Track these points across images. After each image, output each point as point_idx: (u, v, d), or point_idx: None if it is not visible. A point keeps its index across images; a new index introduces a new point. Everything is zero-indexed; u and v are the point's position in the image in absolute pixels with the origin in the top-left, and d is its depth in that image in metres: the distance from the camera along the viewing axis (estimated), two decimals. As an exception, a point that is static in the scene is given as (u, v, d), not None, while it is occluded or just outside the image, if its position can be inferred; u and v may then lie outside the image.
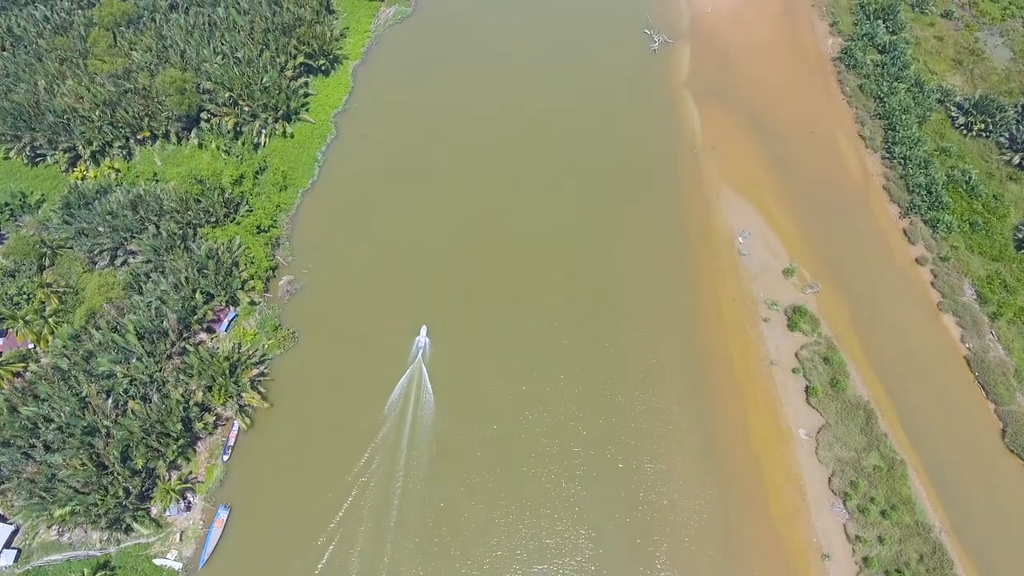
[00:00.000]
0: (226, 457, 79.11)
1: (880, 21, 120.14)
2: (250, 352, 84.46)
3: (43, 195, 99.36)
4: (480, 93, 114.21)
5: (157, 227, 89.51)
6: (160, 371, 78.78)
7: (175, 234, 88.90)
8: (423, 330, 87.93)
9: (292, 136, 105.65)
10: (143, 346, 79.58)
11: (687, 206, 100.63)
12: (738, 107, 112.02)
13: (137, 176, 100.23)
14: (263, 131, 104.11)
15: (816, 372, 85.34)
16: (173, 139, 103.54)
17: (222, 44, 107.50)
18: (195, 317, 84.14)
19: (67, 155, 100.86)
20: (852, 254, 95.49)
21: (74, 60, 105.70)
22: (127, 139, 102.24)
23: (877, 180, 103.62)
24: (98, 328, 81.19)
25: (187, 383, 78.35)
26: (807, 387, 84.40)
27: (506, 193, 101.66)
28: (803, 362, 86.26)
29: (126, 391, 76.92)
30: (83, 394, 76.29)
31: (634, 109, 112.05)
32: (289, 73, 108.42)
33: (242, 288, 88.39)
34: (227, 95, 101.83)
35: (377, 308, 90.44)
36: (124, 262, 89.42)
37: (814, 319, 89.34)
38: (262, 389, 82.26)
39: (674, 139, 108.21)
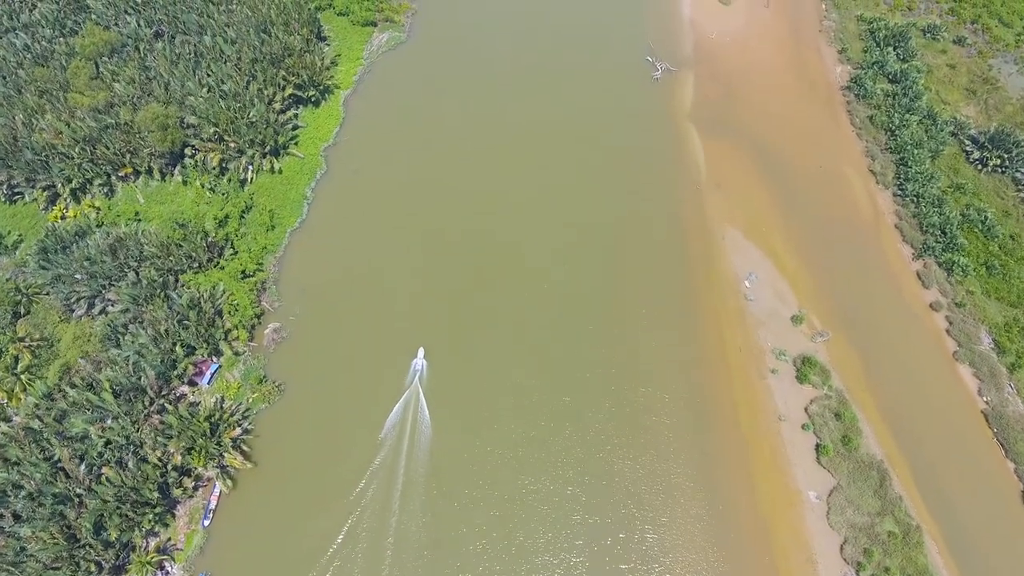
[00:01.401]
0: (207, 522, 75.11)
1: (891, 48, 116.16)
2: (233, 408, 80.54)
3: (21, 235, 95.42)
4: (476, 123, 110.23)
5: (137, 274, 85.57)
6: (137, 432, 74.83)
7: (155, 281, 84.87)
8: (420, 352, 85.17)
9: (280, 172, 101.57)
10: (119, 405, 75.64)
11: (691, 247, 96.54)
12: (743, 140, 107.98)
13: (118, 216, 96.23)
14: (250, 167, 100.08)
15: (827, 429, 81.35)
16: (157, 175, 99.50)
17: (208, 76, 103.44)
18: (175, 372, 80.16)
19: (46, 193, 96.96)
20: (863, 299, 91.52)
21: (54, 93, 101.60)
22: (108, 176, 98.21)
23: (889, 218, 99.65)
24: (73, 386, 77.24)
25: (165, 445, 74.39)
26: (817, 445, 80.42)
27: (502, 228, 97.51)
28: (813, 418, 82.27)
29: (101, 455, 72.99)
30: (55, 458, 72.41)
31: (636, 142, 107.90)
32: (277, 106, 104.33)
33: (225, 339, 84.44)
34: (212, 130, 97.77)
35: (368, 353, 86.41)
36: (102, 311, 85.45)
37: (824, 370, 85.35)
38: (246, 448, 78.29)
39: (677, 174, 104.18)
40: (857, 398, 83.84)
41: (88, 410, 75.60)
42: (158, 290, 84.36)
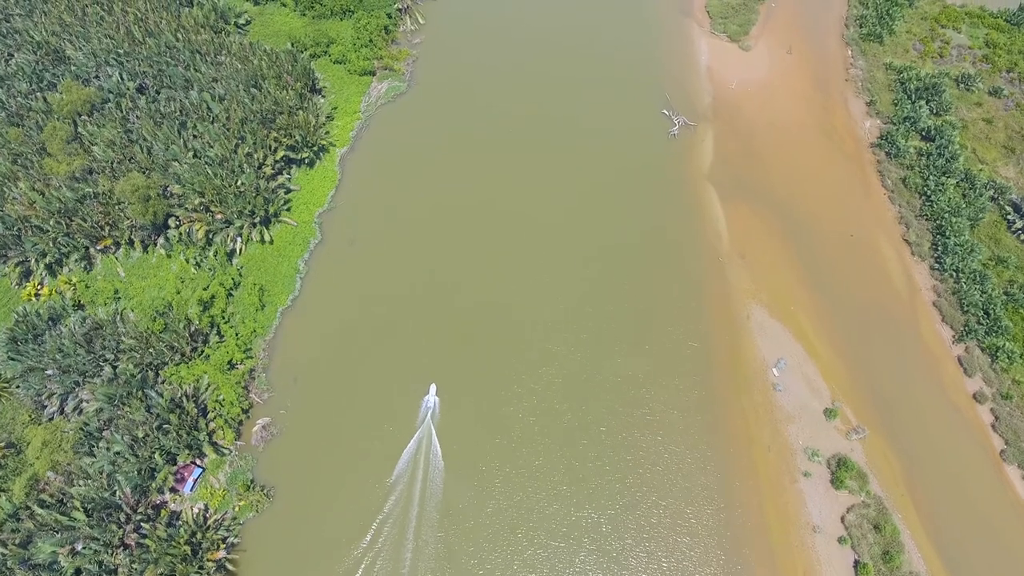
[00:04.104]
0: (188, 653, 68.47)
1: (923, 101, 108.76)
2: (218, 520, 73.70)
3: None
4: (479, 184, 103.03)
5: (114, 369, 78.69)
6: (111, 556, 68.01)
7: (134, 377, 77.95)
8: (432, 388, 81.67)
9: (271, 242, 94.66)
10: (91, 524, 68.78)
11: (713, 327, 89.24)
12: (767, 204, 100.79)
13: (96, 293, 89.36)
14: (238, 238, 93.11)
15: (866, 542, 74.40)
16: (138, 247, 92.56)
17: (193, 138, 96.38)
18: (153, 484, 73.34)
19: (18, 268, 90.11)
20: (901, 389, 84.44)
21: (28, 157, 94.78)
22: (87, 248, 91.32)
23: (926, 295, 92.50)
24: (42, 504, 70.40)
25: (141, 572, 67.51)
26: (856, 562, 73.53)
27: (510, 300, 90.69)
28: (850, 529, 75.34)
29: (70, 585, 66.33)
30: (20, 590, 65.79)
31: (652, 206, 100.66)
32: (268, 170, 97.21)
33: (209, 440, 77.57)
34: (198, 200, 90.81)
35: (365, 441, 79.94)
36: (76, 408, 78.58)
37: (862, 474, 78.35)
38: (231, 567, 71.53)
39: (697, 243, 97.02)
40: (898, 505, 76.90)
41: (57, 531, 68.80)
42: (136, 388, 77.35)
